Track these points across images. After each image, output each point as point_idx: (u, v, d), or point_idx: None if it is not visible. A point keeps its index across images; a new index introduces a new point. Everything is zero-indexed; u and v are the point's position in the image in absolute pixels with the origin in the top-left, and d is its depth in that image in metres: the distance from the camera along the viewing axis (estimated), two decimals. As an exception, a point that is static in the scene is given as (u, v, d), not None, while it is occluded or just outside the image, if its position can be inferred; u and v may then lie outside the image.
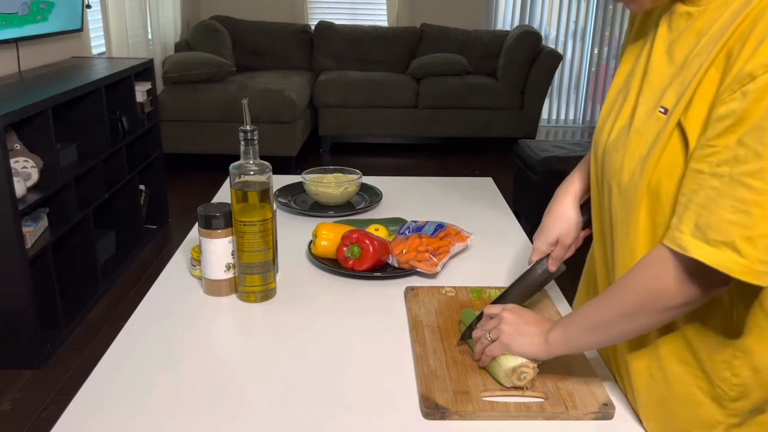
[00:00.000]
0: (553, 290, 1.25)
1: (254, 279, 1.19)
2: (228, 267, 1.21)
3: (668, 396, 0.90)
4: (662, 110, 0.83)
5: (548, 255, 1.12)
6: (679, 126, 0.80)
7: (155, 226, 3.67)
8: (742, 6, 0.76)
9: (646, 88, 0.88)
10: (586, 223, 1.11)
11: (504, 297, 1.13)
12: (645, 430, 0.92)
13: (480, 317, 1.05)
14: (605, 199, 0.95)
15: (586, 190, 1.12)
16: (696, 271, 0.76)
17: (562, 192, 1.14)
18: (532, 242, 1.16)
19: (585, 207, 1.11)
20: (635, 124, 0.88)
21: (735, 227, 0.71)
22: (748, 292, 0.83)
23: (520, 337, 0.95)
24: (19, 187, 2.30)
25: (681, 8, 0.84)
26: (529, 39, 5.16)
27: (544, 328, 0.94)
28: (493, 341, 0.97)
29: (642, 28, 0.94)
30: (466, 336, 1.05)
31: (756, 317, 0.83)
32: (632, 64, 0.94)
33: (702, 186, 0.75)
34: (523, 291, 1.13)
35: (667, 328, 0.89)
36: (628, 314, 0.83)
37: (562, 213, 1.11)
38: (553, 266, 1.11)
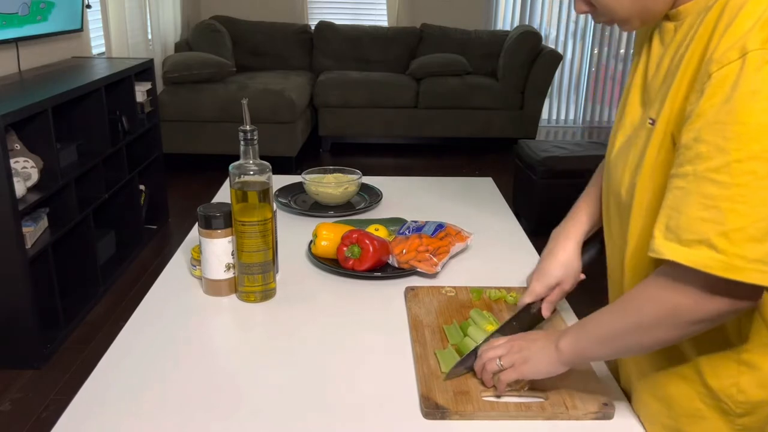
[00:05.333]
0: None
1: (254, 279, 1.19)
2: (228, 267, 1.21)
3: (673, 412, 0.89)
4: (650, 122, 0.84)
5: (542, 298, 1.08)
6: (673, 139, 0.81)
7: (155, 226, 3.67)
8: (711, 17, 0.77)
9: (640, 100, 0.90)
10: (585, 265, 1.09)
11: (496, 336, 1.04)
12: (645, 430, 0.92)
13: (473, 353, 1.01)
14: (608, 213, 0.96)
15: (591, 227, 1.10)
16: (715, 285, 0.72)
17: (563, 235, 1.10)
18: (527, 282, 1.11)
19: (585, 245, 1.09)
20: (632, 137, 0.89)
21: (707, 224, 0.71)
22: None
23: (532, 358, 0.91)
24: (19, 187, 2.30)
25: (667, 25, 0.86)
26: (529, 39, 5.16)
27: (551, 339, 0.91)
28: (504, 368, 0.93)
29: (639, 44, 0.95)
30: (457, 372, 0.99)
31: (759, 330, 0.82)
32: (632, 77, 0.94)
33: (669, 188, 0.76)
34: (516, 333, 1.06)
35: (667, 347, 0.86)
36: (645, 327, 0.80)
37: (565, 259, 1.08)
38: (547, 311, 1.08)
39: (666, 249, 0.74)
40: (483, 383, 0.96)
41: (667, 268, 0.76)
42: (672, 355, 0.88)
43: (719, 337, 0.83)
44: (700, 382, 0.86)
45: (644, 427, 0.92)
